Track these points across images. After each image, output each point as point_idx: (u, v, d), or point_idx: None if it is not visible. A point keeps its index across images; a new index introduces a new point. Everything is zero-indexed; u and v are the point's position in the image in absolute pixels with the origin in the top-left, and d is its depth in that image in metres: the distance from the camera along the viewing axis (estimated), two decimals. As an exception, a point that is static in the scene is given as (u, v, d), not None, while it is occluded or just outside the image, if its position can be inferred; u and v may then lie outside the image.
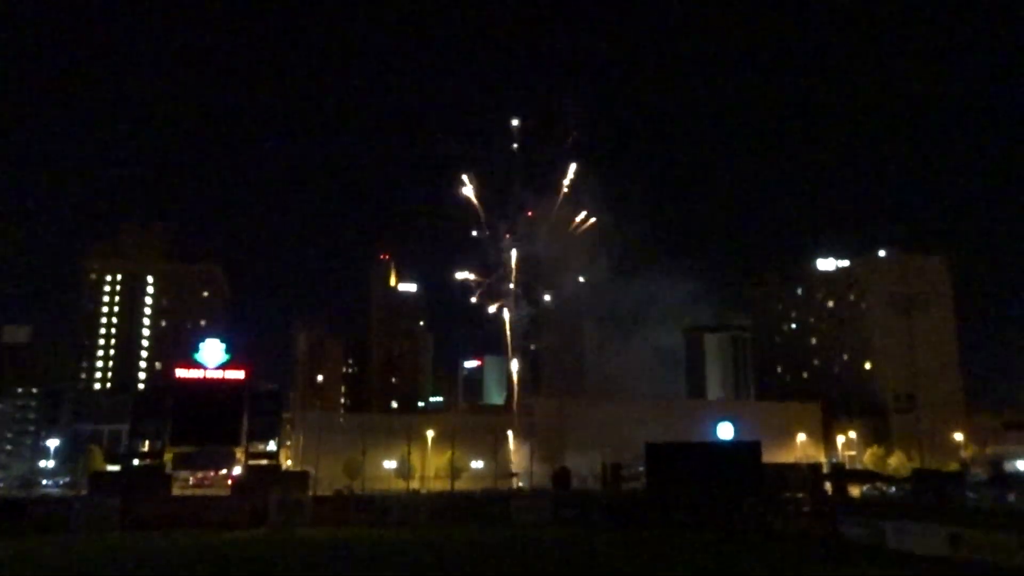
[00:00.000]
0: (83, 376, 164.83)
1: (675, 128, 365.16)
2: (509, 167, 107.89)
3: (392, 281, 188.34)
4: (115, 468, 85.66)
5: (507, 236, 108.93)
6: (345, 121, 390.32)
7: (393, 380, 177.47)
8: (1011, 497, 64.32)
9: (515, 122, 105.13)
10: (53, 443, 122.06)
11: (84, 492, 71.38)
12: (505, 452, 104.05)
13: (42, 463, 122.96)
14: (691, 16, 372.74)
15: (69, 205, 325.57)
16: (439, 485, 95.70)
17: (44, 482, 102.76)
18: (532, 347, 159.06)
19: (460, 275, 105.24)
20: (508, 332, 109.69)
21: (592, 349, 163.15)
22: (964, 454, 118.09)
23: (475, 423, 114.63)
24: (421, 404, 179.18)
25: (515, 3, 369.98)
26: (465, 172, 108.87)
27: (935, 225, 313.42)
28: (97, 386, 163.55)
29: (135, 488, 59.93)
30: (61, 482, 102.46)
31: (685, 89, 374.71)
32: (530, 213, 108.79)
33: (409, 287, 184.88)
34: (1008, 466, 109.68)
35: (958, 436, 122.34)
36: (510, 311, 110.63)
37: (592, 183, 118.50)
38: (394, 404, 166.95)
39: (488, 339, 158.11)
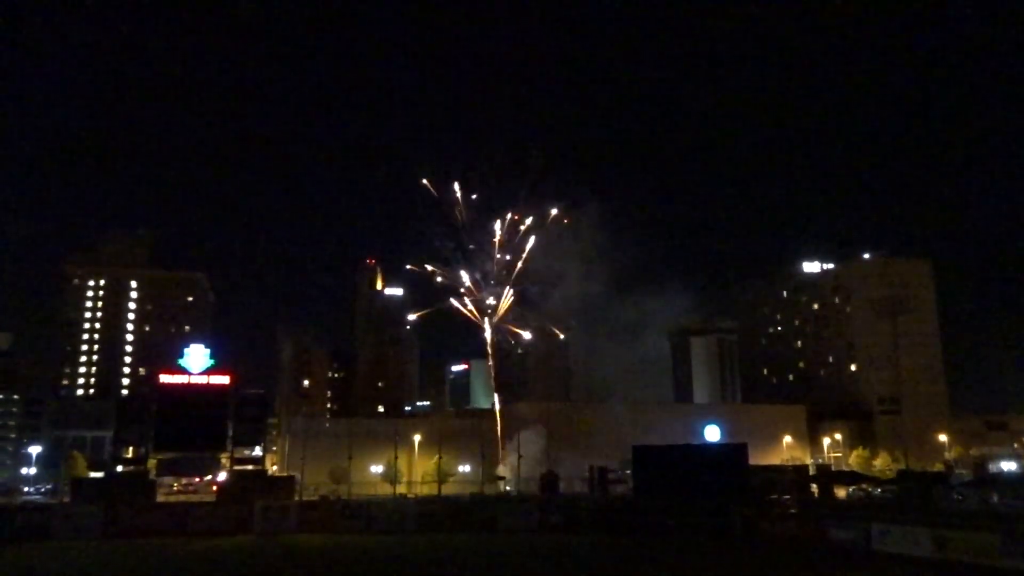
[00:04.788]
0: (65, 382, 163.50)
1: (662, 132, 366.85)
2: (498, 177, 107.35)
3: (378, 285, 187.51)
4: (98, 475, 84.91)
5: (495, 243, 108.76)
6: (333, 123, 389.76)
7: (379, 384, 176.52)
8: (994, 498, 64.78)
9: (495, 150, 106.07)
10: (35, 450, 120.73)
11: (66, 499, 70.55)
12: (493, 456, 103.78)
13: (24, 470, 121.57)
14: (676, 21, 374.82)
15: (51, 210, 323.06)
16: (426, 490, 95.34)
17: (26, 489, 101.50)
18: (520, 351, 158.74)
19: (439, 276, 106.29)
20: (489, 340, 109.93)
21: (579, 355, 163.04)
22: (948, 455, 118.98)
23: (462, 427, 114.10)
24: (408, 408, 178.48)
25: (507, 10, 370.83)
26: (454, 179, 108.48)
27: (919, 228, 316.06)
28: (80, 392, 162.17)
29: (118, 495, 59.26)
30: (43, 489, 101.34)
31: (671, 95, 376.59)
32: (516, 217, 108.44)
33: (395, 291, 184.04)
34: (992, 467, 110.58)
35: (942, 437, 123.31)
36: (495, 317, 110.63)
37: (586, 192, 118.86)
38: (380, 409, 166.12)
39: (475, 343, 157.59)
